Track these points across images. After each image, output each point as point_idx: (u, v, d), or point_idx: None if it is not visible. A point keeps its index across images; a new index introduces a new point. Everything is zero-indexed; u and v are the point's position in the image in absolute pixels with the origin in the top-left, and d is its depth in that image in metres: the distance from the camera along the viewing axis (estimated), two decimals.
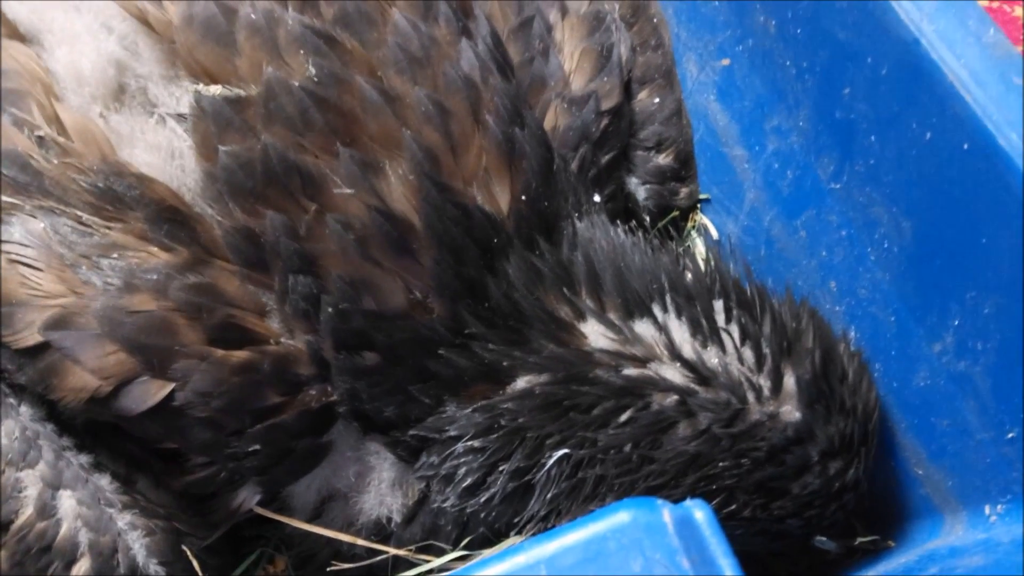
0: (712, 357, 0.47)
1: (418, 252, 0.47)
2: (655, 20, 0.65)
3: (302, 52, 0.46)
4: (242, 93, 0.45)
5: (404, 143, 0.46)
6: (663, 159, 0.65)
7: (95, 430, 0.49)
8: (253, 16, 0.46)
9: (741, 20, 0.56)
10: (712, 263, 0.52)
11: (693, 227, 0.66)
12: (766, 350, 0.47)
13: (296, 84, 0.45)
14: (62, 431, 0.48)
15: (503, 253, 0.49)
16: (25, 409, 0.48)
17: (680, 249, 0.58)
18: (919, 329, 0.49)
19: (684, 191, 0.66)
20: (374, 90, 0.46)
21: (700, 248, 0.66)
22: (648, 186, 0.65)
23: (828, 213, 0.52)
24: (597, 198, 0.58)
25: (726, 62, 0.59)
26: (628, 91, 0.63)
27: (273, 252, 0.45)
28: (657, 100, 0.64)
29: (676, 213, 0.65)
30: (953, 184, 0.45)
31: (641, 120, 0.65)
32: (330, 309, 0.46)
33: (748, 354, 0.47)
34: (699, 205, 0.66)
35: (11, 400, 0.48)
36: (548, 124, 0.57)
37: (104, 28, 0.47)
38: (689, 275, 0.52)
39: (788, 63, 0.52)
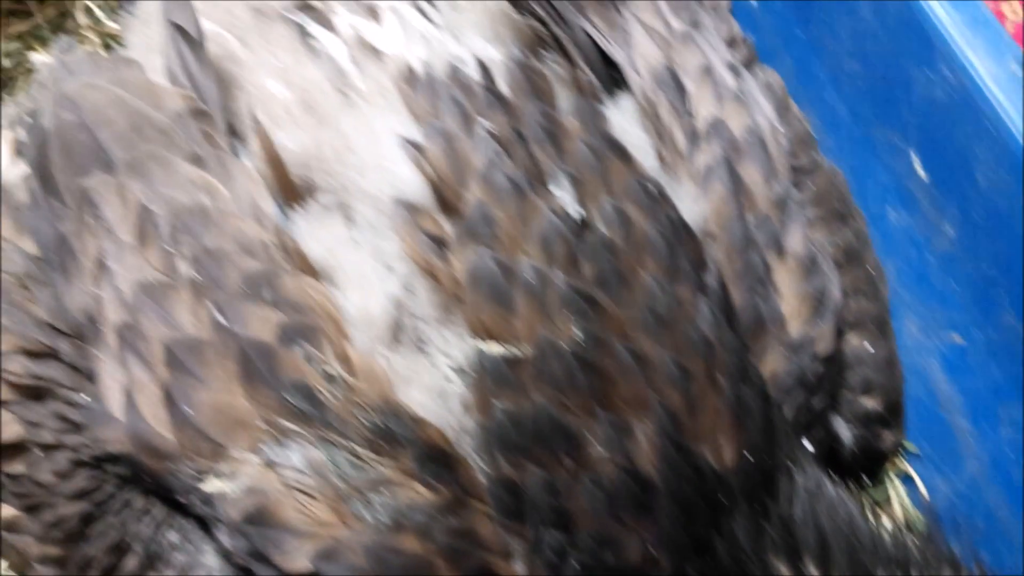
0: None
1: (655, 510, 0.48)
2: (871, 271, 0.67)
3: (568, 313, 0.49)
4: (519, 354, 0.48)
5: (651, 405, 0.49)
6: (869, 403, 0.66)
7: None
8: (528, 278, 0.50)
9: (981, 309, 0.57)
10: (936, 541, 0.51)
11: (895, 473, 0.66)
12: None
13: (565, 347, 0.48)
14: None
15: (728, 510, 0.51)
16: None
17: (884, 502, 0.57)
18: None
19: (888, 437, 0.66)
20: (628, 353, 0.49)
21: (899, 493, 0.65)
22: (852, 427, 0.66)
23: None
24: (809, 446, 0.59)
25: (958, 340, 0.59)
26: (840, 335, 0.65)
27: (531, 505, 0.47)
28: (868, 346, 0.65)
29: (884, 465, 0.65)
30: None
31: (850, 363, 0.66)
32: (575, 563, 0.47)
33: None
34: (904, 454, 0.66)
35: None
36: (767, 369, 0.59)
37: (386, 268, 0.52)
38: (915, 551, 0.51)
39: None
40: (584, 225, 0.52)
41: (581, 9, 0.63)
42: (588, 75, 0.60)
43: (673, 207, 0.57)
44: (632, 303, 0.51)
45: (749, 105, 0.65)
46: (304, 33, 0.60)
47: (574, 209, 0.53)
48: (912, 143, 0.61)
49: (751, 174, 0.63)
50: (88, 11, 0.98)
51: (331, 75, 0.58)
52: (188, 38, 0.57)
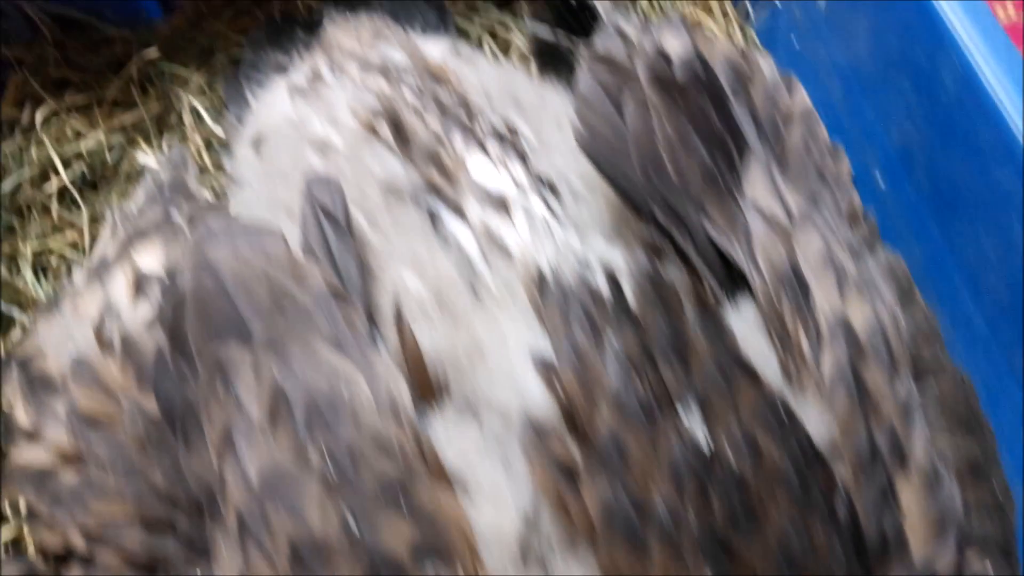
0: None
1: None
2: (998, 492, 0.64)
3: (703, 559, 0.48)
4: None
5: None
6: None
7: None
8: (662, 517, 0.48)
9: None
10: None
11: None
12: None
13: None
14: None
15: None
16: None
17: None
18: None
19: None
20: None
21: None
22: None
23: None
24: None
25: None
26: (961, 554, 0.62)
27: None
28: (990, 570, 0.63)
29: None
30: None
31: None
32: None
33: None
34: None
35: None
36: None
37: (516, 484, 0.50)
38: None
39: None
40: (713, 456, 0.50)
41: (700, 204, 0.60)
42: (712, 284, 0.59)
43: (802, 429, 0.55)
44: (764, 546, 0.49)
45: (870, 293, 0.63)
46: (435, 219, 0.59)
47: (703, 436, 0.51)
48: None
49: (875, 377, 0.61)
50: (193, 111, 0.99)
51: (463, 270, 0.57)
52: (333, 220, 0.56)
